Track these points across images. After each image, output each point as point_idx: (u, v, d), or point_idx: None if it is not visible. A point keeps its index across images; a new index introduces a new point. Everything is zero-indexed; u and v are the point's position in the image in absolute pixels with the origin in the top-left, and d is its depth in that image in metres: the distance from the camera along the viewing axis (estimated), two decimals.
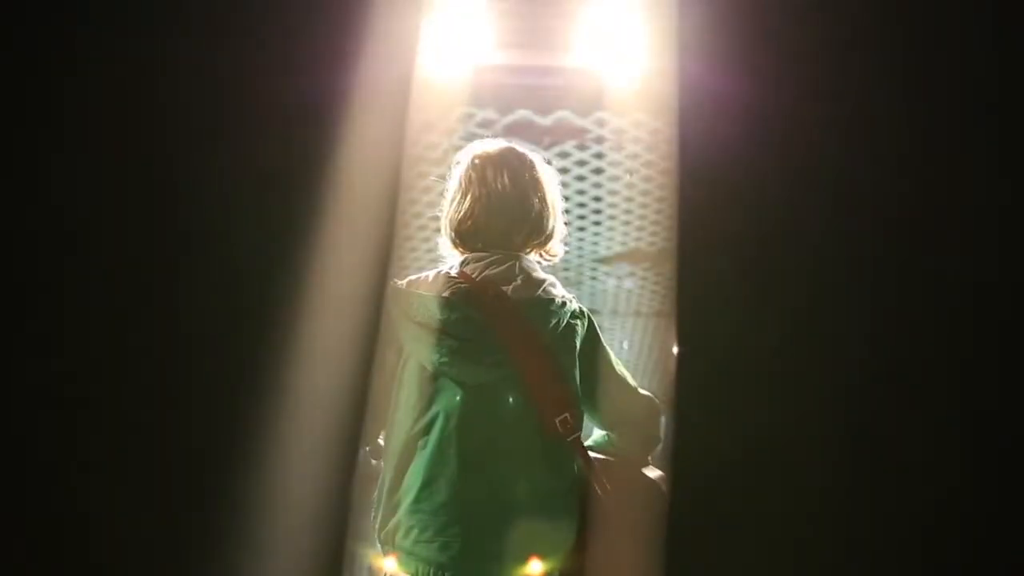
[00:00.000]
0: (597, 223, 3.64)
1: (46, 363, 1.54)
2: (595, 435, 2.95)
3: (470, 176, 2.87)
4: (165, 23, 1.36)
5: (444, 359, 2.70)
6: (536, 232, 2.90)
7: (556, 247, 2.97)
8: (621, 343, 4.01)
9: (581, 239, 3.79)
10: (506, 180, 2.87)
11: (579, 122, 3.57)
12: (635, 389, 2.89)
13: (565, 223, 3.00)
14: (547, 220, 2.92)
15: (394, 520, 2.72)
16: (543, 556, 2.72)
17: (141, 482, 1.48)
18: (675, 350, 2.49)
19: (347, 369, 1.52)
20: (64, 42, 1.32)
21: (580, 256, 3.86)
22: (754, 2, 2.08)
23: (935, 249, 2.15)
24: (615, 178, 3.50)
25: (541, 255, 2.95)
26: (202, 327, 1.30)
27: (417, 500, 2.71)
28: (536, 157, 2.97)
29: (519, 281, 2.83)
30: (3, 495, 1.55)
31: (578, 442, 2.80)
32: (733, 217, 2.18)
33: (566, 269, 3.96)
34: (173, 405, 1.54)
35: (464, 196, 2.85)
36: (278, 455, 1.44)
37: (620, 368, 2.89)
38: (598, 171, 3.56)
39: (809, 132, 2.17)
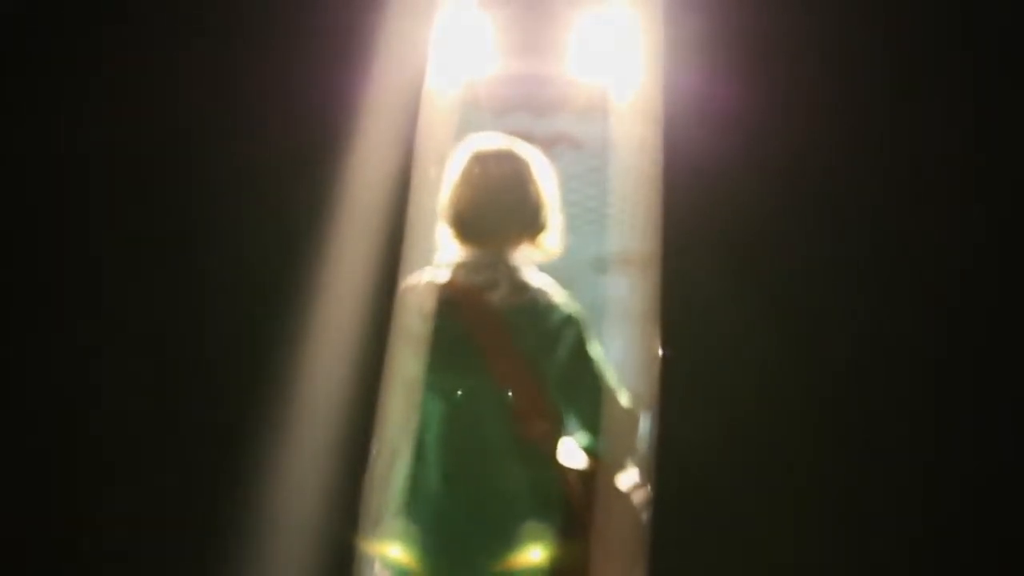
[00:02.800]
0: (589, 227, 3.69)
1: (51, 363, 1.55)
2: (580, 438, 3.02)
3: (470, 167, 2.97)
4: (182, 32, 1.40)
5: (422, 367, 2.79)
6: (532, 223, 3.00)
7: (553, 241, 3.06)
8: (609, 347, 4.05)
9: (576, 243, 3.83)
10: (504, 171, 2.98)
11: (574, 129, 3.63)
12: (616, 399, 2.96)
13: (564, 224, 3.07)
14: (543, 212, 3.02)
15: (385, 520, 2.78)
16: (519, 557, 2.80)
17: (151, 480, 1.51)
18: (660, 353, 2.53)
19: (356, 371, 1.55)
20: (86, 42, 1.35)
21: (576, 259, 3.91)
22: (743, 13, 2.13)
23: (921, 255, 2.20)
24: (607, 183, 3.56)
25: (538, 250, 3.03)
26: (213, 329, 1.33)
27: (400, 503, 2.77)
28: (534, 152, 3.07)
29: (505, 287, 2.91)
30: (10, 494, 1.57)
31: (554, 450, 2.90)
32: (719, 222, 2.23)
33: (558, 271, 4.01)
34: (184, 405, 1.57)
35: (463, 186, 2.95)
36: (290, 455, 1.48)
37: (605, 377, 2.95)
38: (591, 176, 3.62)
39: (796, 139, 2.23)
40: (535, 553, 2.80)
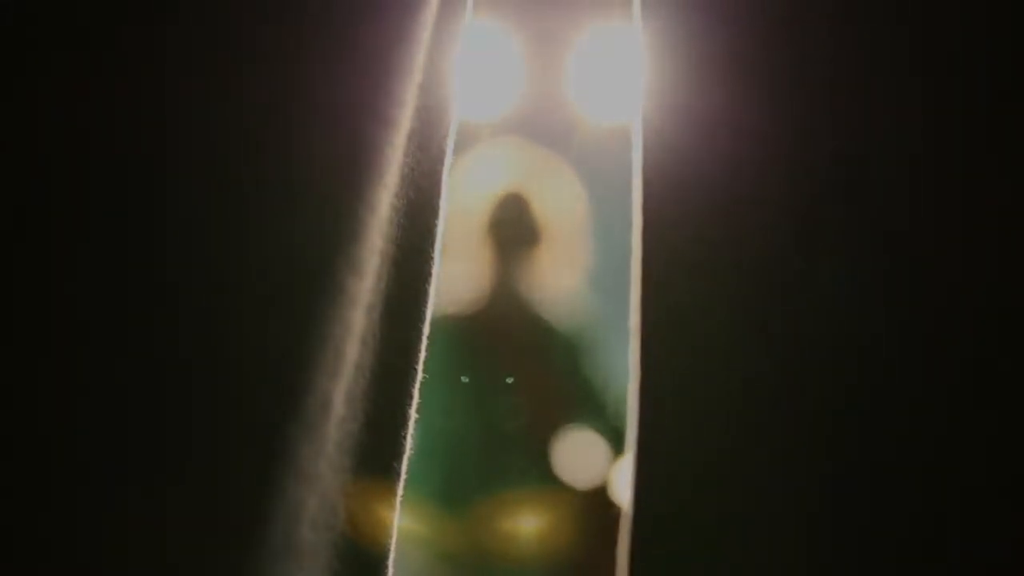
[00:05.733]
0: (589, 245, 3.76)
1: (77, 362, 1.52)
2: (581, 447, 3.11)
3: (485, 191, 3.08)
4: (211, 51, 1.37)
5: (448, 371, 2.90)
6: (548, 244, 3.09)
7: (570, 260, 3.15)
8: (606, 362, 4.12)
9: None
10: (521, 194, 3.07)
11: (577, 152, 3.69)
12: (610, 412, 3.07)
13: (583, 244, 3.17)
14: (559, 233, 3.11)
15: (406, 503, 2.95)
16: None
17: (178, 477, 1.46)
18: (639, 368, 2.58)
19: (386, 373, 1.54)
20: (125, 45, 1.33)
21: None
22: (733, 39, 2.14)
23: (918, 268, 2.19)
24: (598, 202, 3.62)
25: (554, 269, 3.13)
26: (245, 330, 1.31)
27: (409, 496, 2.92)
28: (550, 174, 3.17)
29: (519, 299, 3.02)
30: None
31: (560, 451, 3.00)
32: (702, 239, 2.24)
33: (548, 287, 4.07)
34: (211, 405, 1.53)
35: (480, 207, 3.06)
36: (318, 454, 1.46)
37: (602, 392, 3.08)
38: (585, 195, 3.69)
39: (786, 158, 2.22)
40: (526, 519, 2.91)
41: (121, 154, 1.15)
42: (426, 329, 1.29)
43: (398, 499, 1.23)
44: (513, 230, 3.04)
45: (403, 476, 1.24)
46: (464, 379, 2.93)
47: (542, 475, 2.94)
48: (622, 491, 2.93)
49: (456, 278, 2.97)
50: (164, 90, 1.17)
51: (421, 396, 1.28)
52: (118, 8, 1.16)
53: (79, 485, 1.09)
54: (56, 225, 1.13)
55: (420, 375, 1.28)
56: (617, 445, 2.99)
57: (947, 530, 1.53)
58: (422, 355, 1.30)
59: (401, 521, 1.26)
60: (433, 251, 1.32)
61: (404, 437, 1.24)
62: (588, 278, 3.15)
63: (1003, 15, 1.60)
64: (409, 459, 1.26)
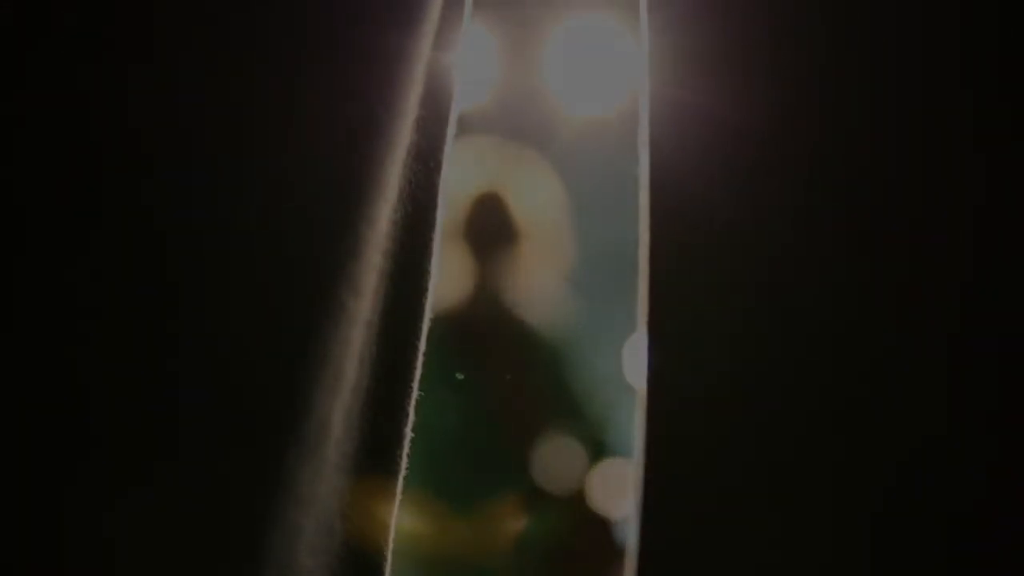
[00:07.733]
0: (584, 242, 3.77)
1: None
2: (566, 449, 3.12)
3: (472, 193, 3.09)
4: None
5: (436, 375, 2.91)
6: (532, 245, 3.10)
7: (557, 259, 3.16)
8: (604, 363, 4.13)
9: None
10: (505, 194, 3.09)
11: (570, 147, 3.69)
12: (598, 415, 3.08)
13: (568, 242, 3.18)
14: (544, 234, 3.12)
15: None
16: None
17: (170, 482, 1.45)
18: (646, 364, 2.58)
19: (384, 380, 1.54)
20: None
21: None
22: (733, 24, 2.14)
23: (923, 262, 2.20)
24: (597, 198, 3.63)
25: (540, 270, 3.14)
26: (241, 332, 1.29)
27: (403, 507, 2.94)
28: (545, 169, 3.17)
29: (505, 302, 3.03)
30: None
31: (541, 455, 3.01)
32: (707, 234, 2.24)
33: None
34: (203, 411, 1.51)
35: (466, 209, 3.07)
36: (311, 462, 1.45)
37: (590, 395, 3.07)
38: (582, 192, 3.69)
39: (786, 150, 2.23)
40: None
41: (117, 165, 1.13)
42: (422, 346, 1.27)
43: (394, 518, 1.22)
44: (500, 229, 3.05)
45: (399, 495, 1.23)
46: (459, 376, 2.96)
47: (530, 478, 2.96)
48: (614, 492, 2.95)
49: (443, 279, 2.99)
50: (158, 99, 1.15)
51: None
52: (114, 9, 1.14)
53: (76, 506, 1.08)
54: (53, 235, 1.11)
55: (415, 393, 1.26)
56: (600, 447, 3.00)
57: (953, 528, 1.53)
58: (418, 372, 1.28)
59: (396, 537, 1.25)
60: (430, 266, 1.30)
61: (400, 455, 1.23)
62: (574, 277, 3.15)
63: (1003, 19, 1.59)
64: (404, 475, 1.24)
